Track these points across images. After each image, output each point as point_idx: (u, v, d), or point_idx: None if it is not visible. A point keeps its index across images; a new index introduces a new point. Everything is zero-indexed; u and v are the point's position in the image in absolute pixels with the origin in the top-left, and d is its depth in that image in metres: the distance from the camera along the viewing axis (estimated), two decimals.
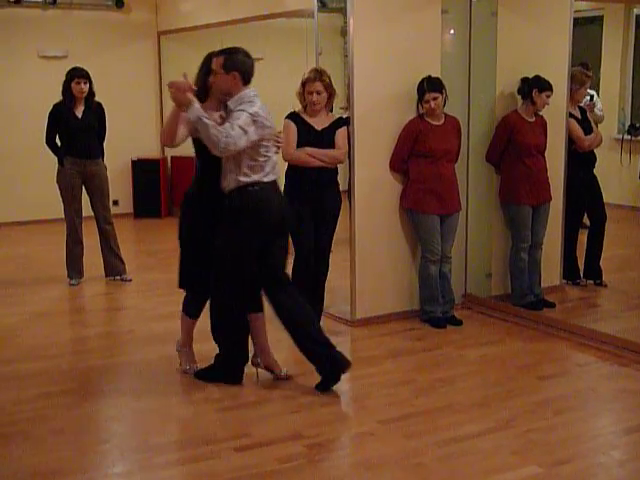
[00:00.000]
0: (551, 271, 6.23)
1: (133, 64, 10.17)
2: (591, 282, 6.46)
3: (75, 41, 9.69)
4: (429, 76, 5.40)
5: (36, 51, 9.58)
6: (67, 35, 9.70)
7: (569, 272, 6.43)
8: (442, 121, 5.48)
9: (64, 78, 6.63)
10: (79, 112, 6.70)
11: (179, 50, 9.91)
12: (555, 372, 4.80)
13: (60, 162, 6.73)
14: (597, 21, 9.25)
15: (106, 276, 6.99)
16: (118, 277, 6.96)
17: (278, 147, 4.42)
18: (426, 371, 4.80)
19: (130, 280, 6.95)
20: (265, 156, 4.26)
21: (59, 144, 6.79)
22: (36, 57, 9.59)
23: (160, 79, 10.31)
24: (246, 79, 4.23)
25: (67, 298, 6.63)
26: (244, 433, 3.89)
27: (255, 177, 4.24)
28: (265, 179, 4.28)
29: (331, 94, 5.18)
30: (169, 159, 10.27)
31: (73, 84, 6.60)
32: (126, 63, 10.02)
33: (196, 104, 4.06)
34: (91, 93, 6.70)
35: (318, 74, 5.13)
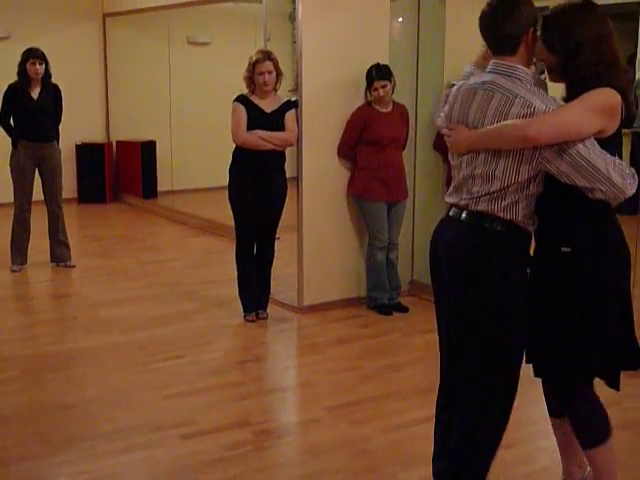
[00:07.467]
0: None
1: (78, 46, 9.98)
2: None
3: (17, 22, 9.46)
4: (378, 64, 5.40)
5: None
6: (9, 15, 9.47)
7: None
8: (390, 108, 5.49)
9: (19, 59, 6.48)
10: (35, 93, 6.55)
11: (125, 33, 9.77)
12: None
13: (14, 145, 6.60)
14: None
15: (51, 262, 6.88)
16: (62, 263, 6.86)
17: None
18: (372, 358, 4.82)
19: (74, 266, 6.85)
20: None
21: (13, 126, 6.65)
22: None
23: (105, 62, 10.16)
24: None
25: (10, 285, 6.50)
26: (190, 420, 3.87)
27: None
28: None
29: (279, 74, 5.18)
30: (114, 144, 10.12)
31: (28, 65, 6.45)
32: (71, 45, 9.83)
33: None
34: (47, 74, 6.57)
35: (266, 54, 5.14)
